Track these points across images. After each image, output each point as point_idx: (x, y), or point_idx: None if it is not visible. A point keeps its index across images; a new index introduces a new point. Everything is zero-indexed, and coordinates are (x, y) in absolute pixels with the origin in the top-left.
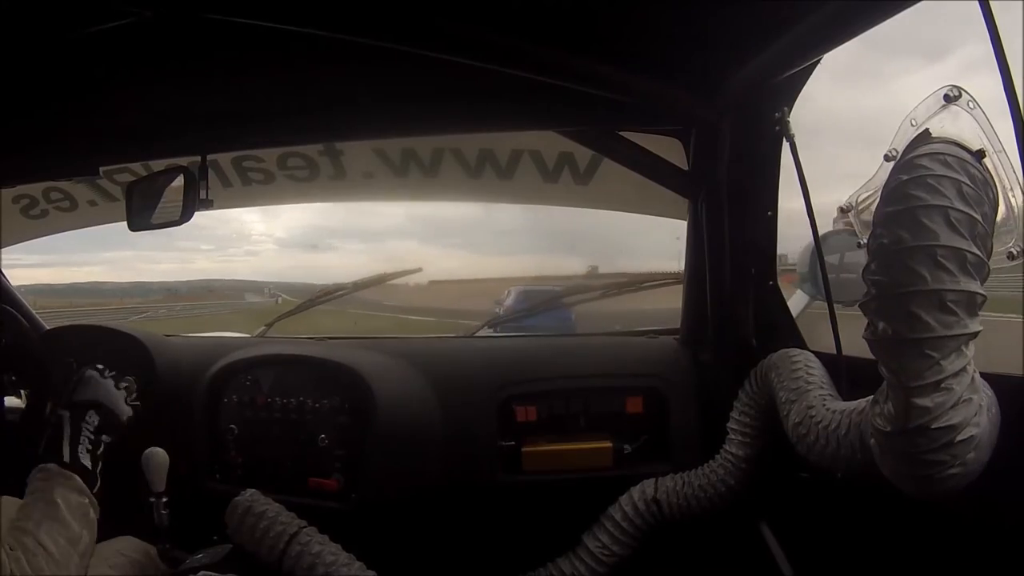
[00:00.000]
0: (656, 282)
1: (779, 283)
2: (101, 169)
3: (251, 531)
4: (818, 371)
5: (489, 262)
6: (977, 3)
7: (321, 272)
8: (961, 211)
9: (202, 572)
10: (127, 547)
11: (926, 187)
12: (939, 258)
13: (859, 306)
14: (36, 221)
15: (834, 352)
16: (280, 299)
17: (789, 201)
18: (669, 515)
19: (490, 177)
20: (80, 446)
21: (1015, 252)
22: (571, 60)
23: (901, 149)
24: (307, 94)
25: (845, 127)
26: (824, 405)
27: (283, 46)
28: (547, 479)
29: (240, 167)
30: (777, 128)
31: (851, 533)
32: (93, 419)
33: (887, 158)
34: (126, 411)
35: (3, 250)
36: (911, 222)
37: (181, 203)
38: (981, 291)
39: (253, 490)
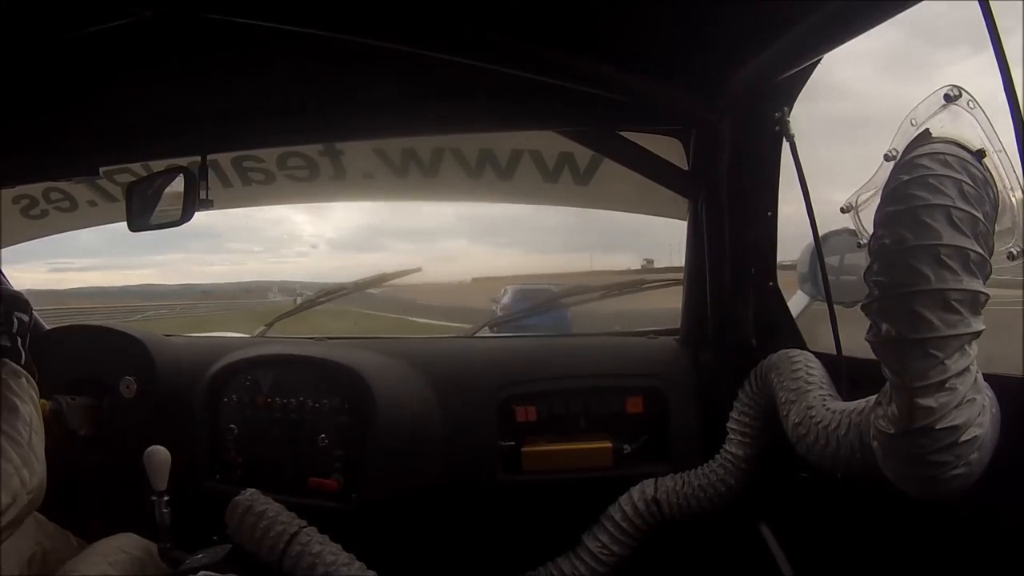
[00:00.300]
0: (656, 282)
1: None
2: (101, 169)
3: (251, 531)
4: (818, 371)
5: (539, 260)
6: (977, 3)
7: (370, 272)
8: (963, 210)
9: (202, 572)
10: (128, 544)
11: (927, 187)
12: (942, 257)
13: (861, 307)
14: (36, 221)
15: (834, 353)
16: (299, 298)
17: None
18: (669, 515)
19: (490, 177)
20: None
21: (1015, 252)
22: (571, 60)
23: (901, 149)
24: (307, 94)
25: (898, 117)
26: (824, 405)
27: (283, 46)
28: (547, 479)
29: (240, 167)
30: (777, 128)
31: (851, 533)
32: None
33: (887, 158)
34: (20, 292)
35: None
36: (913, 221)
37: (181, 203)
38: (984, 290)
39: (253, 490)
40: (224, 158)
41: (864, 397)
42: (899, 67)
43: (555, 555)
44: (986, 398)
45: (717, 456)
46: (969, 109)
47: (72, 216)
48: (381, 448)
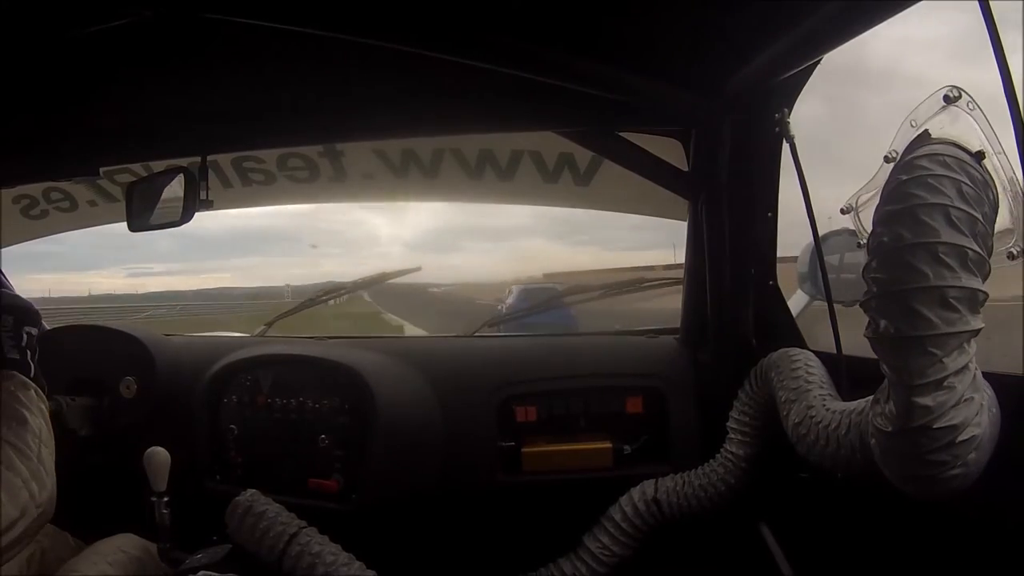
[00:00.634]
0: (656, 282)
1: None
2: (101, 169)
3: (251, 531)
4: (818, 371)
5: (618, 257)
6: (977, 3)
7: (448, 273)
8: (961, 209)
9: (202, 572)
10: (127, 544)
11: (926, 186)
12: (940, 255)
13: (860, 305)
14: (36, 221)
15: (834, 352)
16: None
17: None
18: (669, 515)
19: (490, 178)
20: (6, 345)
21: (1015, 252)
22: (571, 60)
23: (901, 150)
24: (307, 94)
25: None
26: (824, 405)
27: (283, 46)
28: (547, 479)
29: (240, 167)
30: (777, 128)
31: (851, 533)
32: (8, 320)
33: (887, 159)
34: (31, 304)
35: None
36: (911, 220)
37: (181, 203)
38: (983, 288)
39: (253, 490)
40: (224, 158)
41: (864, 396)
42: (971, 53)
43: (555, 555)
44: (985, 397)
45: (717, 456)
46: (969, 111)
47: (72, 216)
48: (381, 448)
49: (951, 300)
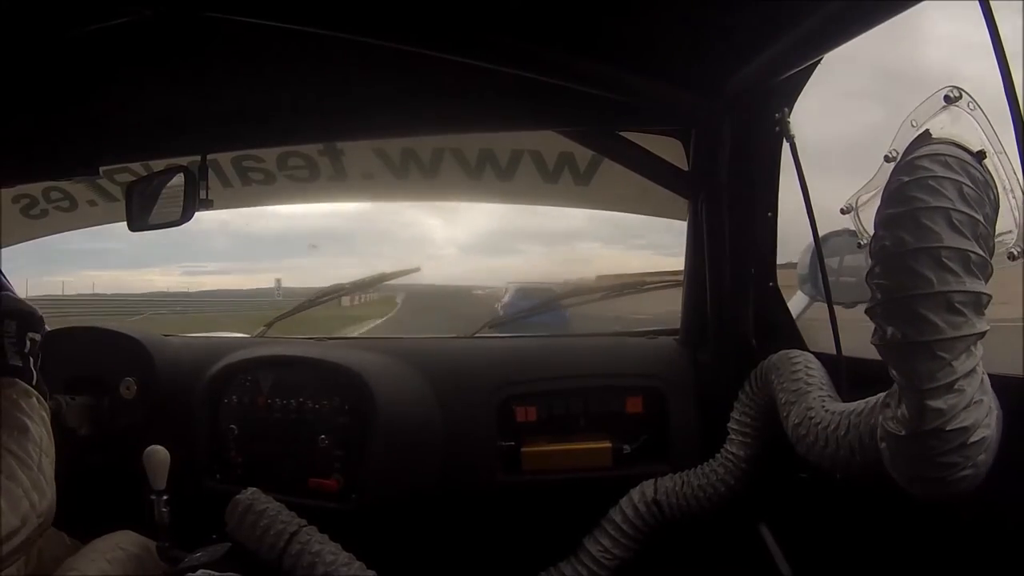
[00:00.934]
0: (656, 283)
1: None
2: (101, 169)
3: (251, 529)
4: (818, 372)
5: (670, 261)
6: (977, 3)
7: (501, 274)
8: (963, 212)
9: (201, 570)
10: (126, 541)
11: (927, 189)
12: (943, 259)
13: (865, 311)
14: (36, 221)
15: (834, 353)
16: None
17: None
18: (669, 515)
19: (490, 178)
20: (8, 351)
21: (1015, 252)
22: (572, 60)
23: (901, 150)
24: (307, 94)
25: None
26: (823, 406)
27: (283, 45)
28: (547, 479)
29: (240, 167)
30: (777, 128)
31: (850, 534)
32: (10, 326)
33: (887, 159)
34: (35, 308)
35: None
36: (913, 224)
37: (181, 203)
38: (986, 291)
39: (254, 488)
40: (224, 158)
41: (863, 398)
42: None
43: (554, 554)
44: (992, 399)
45: (717, 456)
46: (969, 110)
47: (72, 216)
48: (381, 448)
49: (956, 304)
